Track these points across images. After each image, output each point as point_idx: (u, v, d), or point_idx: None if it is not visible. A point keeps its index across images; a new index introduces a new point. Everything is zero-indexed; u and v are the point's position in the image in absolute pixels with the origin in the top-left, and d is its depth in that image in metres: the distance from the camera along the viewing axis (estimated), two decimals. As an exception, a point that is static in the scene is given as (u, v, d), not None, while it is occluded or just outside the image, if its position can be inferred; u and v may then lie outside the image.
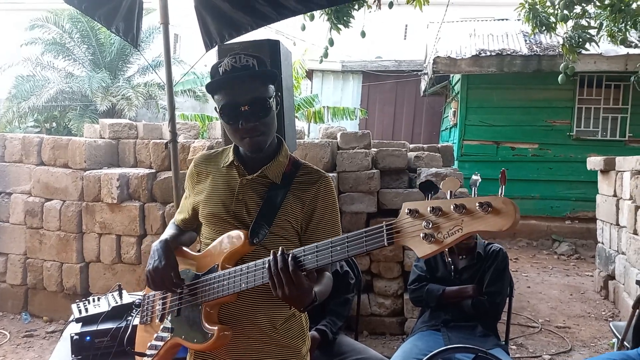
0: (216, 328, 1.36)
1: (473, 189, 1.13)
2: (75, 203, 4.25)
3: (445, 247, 1.04)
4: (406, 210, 1.09)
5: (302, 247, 1.25)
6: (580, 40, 5.07)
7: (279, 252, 1.24)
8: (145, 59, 7.47)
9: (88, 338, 1.99)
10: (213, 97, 1.43)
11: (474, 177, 1.16)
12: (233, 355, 1.45)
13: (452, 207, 1.03)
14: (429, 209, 1.06)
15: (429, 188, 1.19)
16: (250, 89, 1.37)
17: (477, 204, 1.00)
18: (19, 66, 10.96)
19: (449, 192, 1.14)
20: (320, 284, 1.37)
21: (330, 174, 3.92)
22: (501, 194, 1.02)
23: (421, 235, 1.05)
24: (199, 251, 1.55)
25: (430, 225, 1.05)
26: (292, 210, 1.43)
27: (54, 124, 11.46)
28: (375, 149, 4.35)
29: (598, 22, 5.11)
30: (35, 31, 10.88)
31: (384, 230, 1.11)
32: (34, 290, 4.46)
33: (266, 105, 1.38)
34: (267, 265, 1.24)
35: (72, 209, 4.24)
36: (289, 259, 1.22)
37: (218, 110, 1.41)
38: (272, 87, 1.43)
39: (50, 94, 10.12)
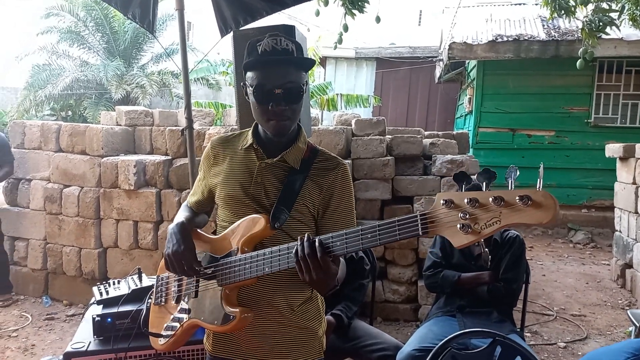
0: (238, 310, 1.38)
1: (510, 180, 1.14)
2: (93, 189, 4.31)
3: (482, 237, 1.06)
4: (441, 201, 1.10)
5: (330, 234, 1.26)
6: (601, 24, 4.93)
7: (306, 238, 1.25)
8: (162, 45, 7.51)
9: (109, 320, 2.04)
10: (245, 74, 1.43)
11: (510, 169, 1.17)
12: (251, 336, 1.48)
13: (490, 199, 1.04)
14: (465, 200, 1.07)
15: (462, 179, 1.20)
16: (287, 74, 1.38)
17: (517, 197, 1.01)
18: (35, 55, 11.08)
19: (484, 183, 1.15)
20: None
21: (345, 161, 3.91)
22: (539, 187, 1.03)
23: (458, 226, 1.07)
24: (214, 233, 1.56)
25: (467, 216, 1.06)
26: (310, 195, 1.44)
27: (70, 112, 11.61)
28: (390, 136, 4.33)
29: (620, 5, 4.97)
30: (50, 20, 10.97)
31: (419, 220, 1.13)
32: (54, 275, 4.55)
33: (299, 92, 1.40)
34: (293, 250, 1.26)
35: (90, 195, 4.31)
36: (317, 244, 1.23)
37: (251, 89, 1.40)
38: (305, 75, 1.44)
39: (65, 83, 10.23)
